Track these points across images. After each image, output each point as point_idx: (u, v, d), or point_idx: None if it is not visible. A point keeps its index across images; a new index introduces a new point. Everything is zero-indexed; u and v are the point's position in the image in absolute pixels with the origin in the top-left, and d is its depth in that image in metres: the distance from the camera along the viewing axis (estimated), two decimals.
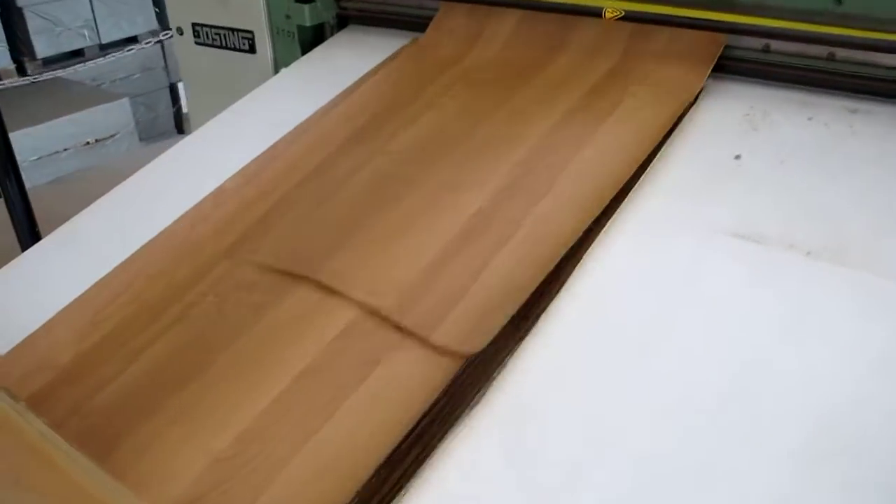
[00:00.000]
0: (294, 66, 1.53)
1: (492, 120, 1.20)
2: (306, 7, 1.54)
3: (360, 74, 1.41)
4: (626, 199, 1.02)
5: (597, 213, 1.02)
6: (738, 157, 1.08)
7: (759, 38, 1.20)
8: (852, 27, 1.12)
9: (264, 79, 1.58)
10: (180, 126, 4.29)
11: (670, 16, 1.23)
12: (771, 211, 0.99)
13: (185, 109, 4.24)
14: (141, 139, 3.93)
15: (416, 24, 1.51)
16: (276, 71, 1.63)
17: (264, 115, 1.37)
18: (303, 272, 0.98)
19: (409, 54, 1.42)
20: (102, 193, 1.24)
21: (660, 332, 0.86)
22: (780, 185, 1.02)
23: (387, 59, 1.42)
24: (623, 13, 1.22)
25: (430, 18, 1.48)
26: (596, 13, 1.25)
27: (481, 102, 1.25)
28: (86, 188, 3.48)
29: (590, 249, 0.96)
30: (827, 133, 1.10)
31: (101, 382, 0.91)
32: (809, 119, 1.12)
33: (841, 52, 1.15)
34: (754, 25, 1.19)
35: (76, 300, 1.02)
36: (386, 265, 0.98)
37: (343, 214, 1.08)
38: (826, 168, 1.04)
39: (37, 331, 0.99)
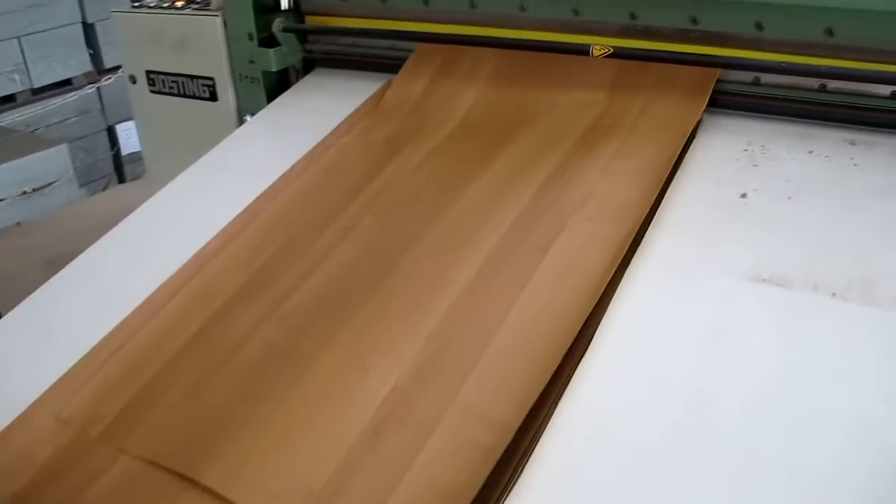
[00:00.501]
0: (262, 114, 1.45)
1: (434, 229, 1.07)
2: (271, 51, 1.47)
3: (334, 121, 1.34)
4: (640, 245, 0.98)
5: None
6: (744, 195, 1.05)
7: (750, 72, 1.18)
8: (844, 58, 1.11)
9: (227, 127, 1.50)
10: (121, 170, 4.14)
11: (659, 51, 1.20)
12: (789, 251, 0.95)
13: (124, 152, 4.10)
14: (80, 185, 3.76)
15: (387, 65, 1.46)
16: (240, 118, 1.55)
17: (238, 167, 1.30)
18: (188, 472, 0.82)
19: (354, 134, 1.32)
20: (44, 243, 1.15)
21: (704, 395, 0.81)
22: (792, 223, 0.99)
23: (327, 140, 1.30)
24: (611, 50, 1.18)
25: (401, 59, 1.43)
26: (583, 51, 1.21)
27: (427, 195, 1.14)
28: (26, 239, 3.32)
29: (610, 311, 0.91)
30: (830, 166, 1.08)
31: (88, 478, 0.83)
32: (810, 152, 1.10)
33: (833, 84, 1.14)
34: (745, 59, 1.17)
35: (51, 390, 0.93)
36: (288, 464, 0.81)
37: (231, 399, 0.89)
38: (836, 203, 1.01)
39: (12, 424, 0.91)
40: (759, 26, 1.15)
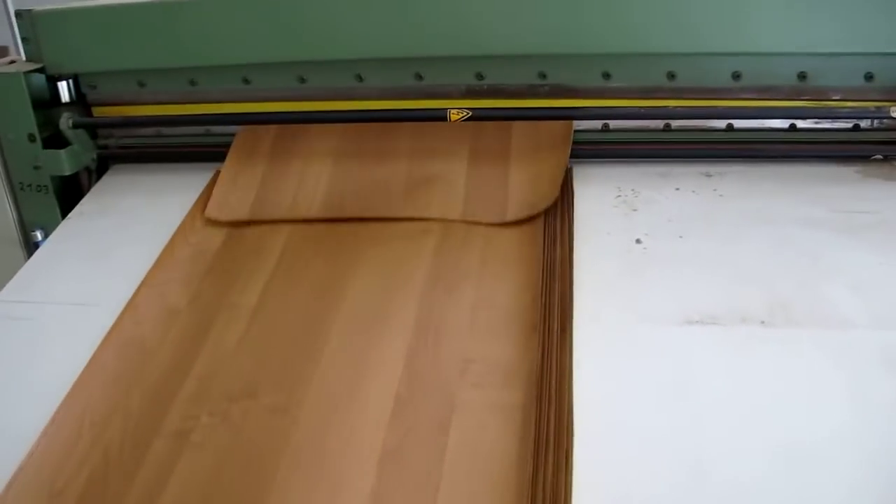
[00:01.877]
0: (64, 228, 1.20)
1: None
2: (62, 153, 1.24)
3: (160, 226, 1.15)
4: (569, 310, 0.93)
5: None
6: (638, 240, 1.05)
7: (600, 120, 1.21)
8: (685, 98, 1.18)
9: (10, 252, 1.23)
10: None
11: (515, 109, 1.18)
12: (704, 290, 0.96)
13: None
14: None
15: (201, 154, 1.30)
16: (26, 238, 1.28)
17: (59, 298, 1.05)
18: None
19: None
20: None
21: (698, 454, 0.77)
22: (695, 262, 1.00)
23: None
24: (469, 113, 1.14)
25: (218, 146, 1.28)
26: (439, 117, 1.16)
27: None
28: None
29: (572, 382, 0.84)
30: (700, 201, 1.12)
31: None
32: (677, 189, 1.14)
33: (676, 123, 1.20)
34: (596, 108, 1.19)
35: None
36: None
37: None
38: (721, 235, 1.05)
39: None
40: (606, 76, 1.18)
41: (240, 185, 1.18)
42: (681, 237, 1.05)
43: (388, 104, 1.22)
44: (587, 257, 1.01)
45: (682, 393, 0.83)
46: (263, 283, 1.00)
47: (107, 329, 0.99)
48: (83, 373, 0.92)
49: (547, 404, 0.82)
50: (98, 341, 0.97)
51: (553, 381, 0.83)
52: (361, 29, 1.17)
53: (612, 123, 1.21)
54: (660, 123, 1.20)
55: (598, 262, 1.01)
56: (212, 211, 1.14)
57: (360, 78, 1.22)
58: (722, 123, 1.19)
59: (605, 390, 0.85)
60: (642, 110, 1.17)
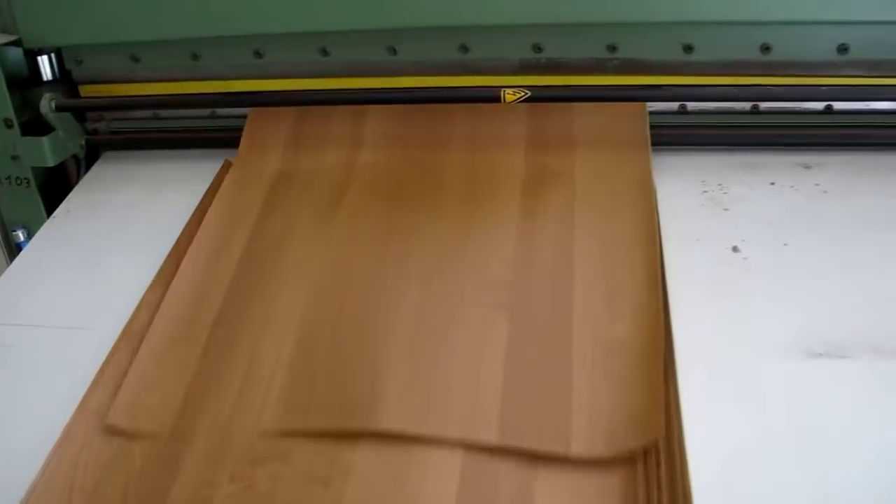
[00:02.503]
0: (49, 228, 1.02)
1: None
2: (45, 140, 1.05)
3: (165, 225, 0.98)
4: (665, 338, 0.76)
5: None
6: (735, 248, 0.88)
7: (678, 101, 1.03)
8: (778, 75, 0.99)
9: None
10: None
11: (582, 87, 1.00)
12: (822, 311, 0.79)
13: None
14: None
15: (205, 140, 1.12)
16: (6, 239, 1.10)
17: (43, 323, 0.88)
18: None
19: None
20: None
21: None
22: (808, 275, 0.83)
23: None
24: (527, 93, 0.96)
25: (227, 130, 1.10)
26: (490, 98, 0.97)
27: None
28: None
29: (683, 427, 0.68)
30: (801, 198, 0.94)
31: None
32: (772, 184, 0.96)
33: (765, 104, 1.02)
34: (673, 86, 1.01)
35: None
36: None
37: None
38: (834, 241, 0.87)
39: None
40: (687, 49, 0.99)
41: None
42: (785, 244, 0.88)
43: (427, 80, 1.04)
44: (676, 269, 0.84)
45: (812, 446, 0.67)
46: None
47: (101, 358, 0.82)
48: (73, 418, 0.75)
49: (655, 467, 0.66)
50: (90, 374, 0.81)
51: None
52: None
53: (691, 105, 1.03)
54: (746, 105, 1.02)
55: (690, 276, 0.84)
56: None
57: (393, 51, 1.04)
58: (819, 105, 1.01)
59: (718, 445, 0.68)
60: (734, 89, 0.98)
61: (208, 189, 1.01)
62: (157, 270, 0.89)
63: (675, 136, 1.02)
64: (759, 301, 0.81)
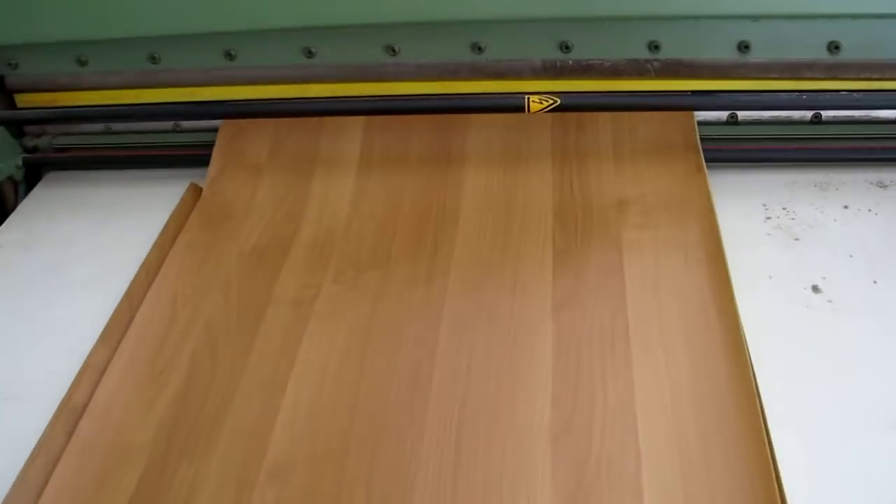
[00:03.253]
0: None
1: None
2: None
3: (115, 260, 0.80)
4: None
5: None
6: (816, 288, 0.72)
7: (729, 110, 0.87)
8: (846, 78, 0.85)
9: None
10: None
11: (618, 94, 0.84)
12: None
13: None
14: None
15: (168, 159, 0.95)
16: None
17: None
18: None
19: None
20: None
21: None
22: None
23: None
24: (556, 101, 0.80)
25: (192, 147, 0.93)
26: (515, 107, 0.81)
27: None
28: None
29: None
30: (882, 223, 0.79)
31: None
32: (845, 207, 0.81)
33: (828, 113, 0.87)
34: (722, 91, 0.85)
35: None
36: None
37: None
38: None
39: None
40: (743, 47, 0.84)
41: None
42: (875, 282, 0.73)
43: (433, 86, 0.87)
44: (750, 314, 0.68)
45: None
46: None
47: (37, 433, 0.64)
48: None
49: None
50: (27, 448, 0.63)
51: None
52: None
53: (743, 114, 0.88)
54: (807, 114, 0.87)
55: (768, 323, 0.68)
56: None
57: (392, 50, 0.87)
58: (890, 114, 0.86)
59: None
60: (803, 97, 0.83)
61: (170, 219, 0.83)
62: (105, 325, 0.72)
63: (727, 150, 0.87)
64: (852, 355, 0.66)
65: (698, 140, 0.83)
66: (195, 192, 0.87)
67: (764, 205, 0.82)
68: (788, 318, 0.69)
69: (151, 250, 0.79)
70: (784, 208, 0.82)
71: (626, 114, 0.84)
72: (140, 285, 0.75)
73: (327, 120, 0.88)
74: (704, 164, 0.81)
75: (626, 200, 0.78)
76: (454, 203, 0.79)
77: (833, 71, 0.84)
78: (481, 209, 0.78)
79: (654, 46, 0.84)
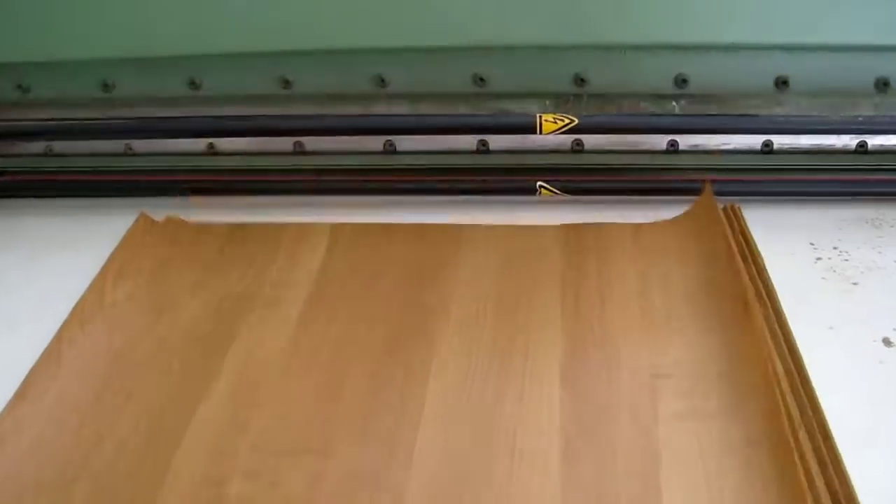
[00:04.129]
0: None
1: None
2: None
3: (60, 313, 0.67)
4: None
5: None
6: (887, 341, 0.61)
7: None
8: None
9: None
10: None
11: (641, 116, 0.74)
12: None
13: None
14: None
15: (121, 185, 0.82)
16: None
17: None
18: None
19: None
20: None
21: None
22: None
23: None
24: (574, 122, 0.69)
25: (145, 174, 0.81)
26: (527, 127, 0.70)
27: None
28: None
29: None
30: None
31: None
32: None
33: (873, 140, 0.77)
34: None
35: None
36: None
37: None
38: None
39: None
40: (780, 82, 0.74)
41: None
42: None
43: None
44: (815, 372, 0.56)
45: None
46: None
47: None
48: None
49: None
50: None
51: None
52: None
53: (778, 142, 0.78)
54: (850, 143, 0.77)
55: (833, 382, 0.56)
56: None
57: (381, 81, 0.76)
58: None
59: None
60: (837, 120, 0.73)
61: (113, 254, 0.71)
62: (25, 377, 0.59)
63: (763, 183, 0.76)
64: None
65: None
66: (146, 224, 0.74)
67: (812, 244, 0.71)
68: (858, 377, 0.57)
69: (89, 289, 0.66)
70: (835, 248, 0.71)
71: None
72: (71, 332, 0.62)
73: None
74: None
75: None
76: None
77: (880, 109, 0.75)
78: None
79: (681, 80, 0.74)
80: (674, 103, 0.75)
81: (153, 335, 0.62)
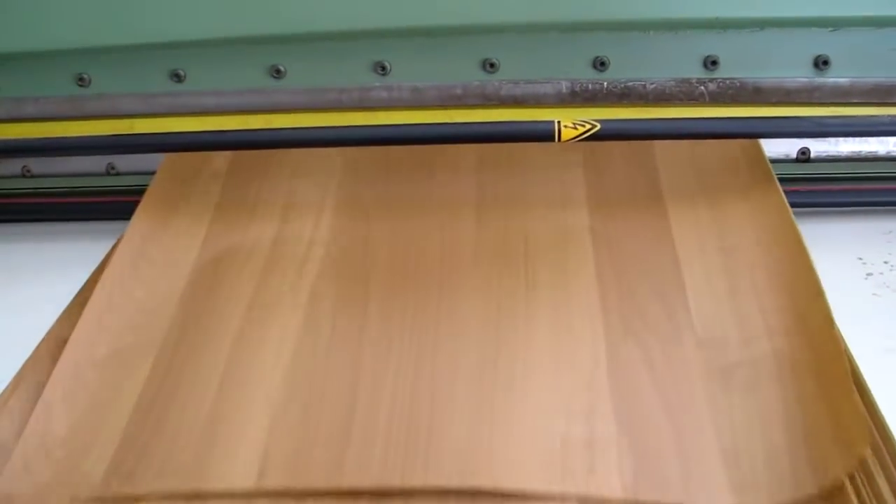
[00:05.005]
0: None
1: None
2: None
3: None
4: None
5: None
6: None
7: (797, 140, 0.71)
8: None
9: None
10: None
11: (665, 122, 0.67)
12: None
13: None
14: None
15: (100, 207, 0.76)
16: None
17: None
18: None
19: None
20: None
21: None
22: None
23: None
24: (596, 127, 0.62)
25: (129, 194, 0.74)
26: (544, 135, 0.63)
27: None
28: None
29: None
30: None
31: None
32: None
33: None
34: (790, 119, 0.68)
35: None
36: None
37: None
38: None
39: None
40: (820, 63, 0.67)
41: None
42: None
43: (432, 115, 0.69)
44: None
45: None
46: None
47: None
48: None
49: None
50: None
51: None
52: None
53: (815, 150, 0.71)
54: (894, 145, 0.70)
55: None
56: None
57: (381, 68, 0.69)
58: None
59: None
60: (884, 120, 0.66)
61: (86, 284, 0.63)
62: None
63: (803, 194, 0.69)
64: None
65: (772, 174, 0.64)
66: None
67: (860, 259, 0.64)
68: None
69: (59, 319, 0.59)
70: (886, 262, 0.64)
71: (672, 144, 0.67)
72: (34, 371, 0.54)
73: (294, 153, 0.69)
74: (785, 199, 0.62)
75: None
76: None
77: None
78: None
79: (710, 63, 0.67)
80: (702, 88, 0.68)
81: None
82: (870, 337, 0.55)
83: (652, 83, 0.68)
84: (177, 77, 0.72)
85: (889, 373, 0.52)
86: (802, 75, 0.67)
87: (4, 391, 0.52)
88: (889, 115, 0.66)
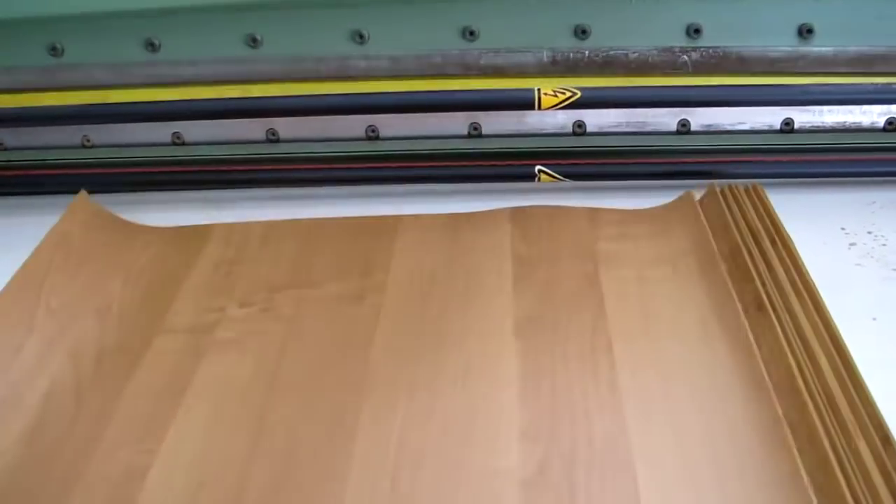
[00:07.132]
0: None
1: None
2: None
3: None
4: None
5: None
6: None
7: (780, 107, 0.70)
8: None
9: None
10: None
11: (646, 89, 0.66)
12: None
13: None
14: None
15: (73, 178, 0.74)
16: None
17: None
18: None
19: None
20: None
21: None
22: None
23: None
24: (577, 95, 0.61)
25: (101, 167, 0.73)
26: (524, 103, 0.62)
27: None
28: None
29: None
30: None
31: None
32: None
33: None
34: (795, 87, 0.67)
35: None
36: None
37: None
38: None
39: None
40: (804, 31, 0.66)
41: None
42: None
43: (410, 85, 0.68)
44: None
45: None
46: None
47: None
48: None
49: None
50: None
51: None
52: None
53: (799, 121, 0.70)
54: (878, 120, 0.70)
55: (880, 379, 0.48)
56: None
57: (360, 37, 0.68)
58: None
59: None
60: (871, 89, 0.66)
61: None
62: None
63: (786, 164, 0.68)
64: None
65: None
66: (80, 209, 0.66)
67: (843, 229, 0.63)
68: None
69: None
70: (869, 232, 0.63)
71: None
72: None
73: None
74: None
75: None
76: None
77: None
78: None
79: (693, 31, 0.66)
80: (685, 57, 0.67)
81: None
82: (853, 306, 0.55)
83: (634, 52, 0.67)
84: (151, 46, 0.70)
85: (873, 341, 0.51)
86: (786, 44, 0.66)
87: None
88: (873, 84, 0.66)
